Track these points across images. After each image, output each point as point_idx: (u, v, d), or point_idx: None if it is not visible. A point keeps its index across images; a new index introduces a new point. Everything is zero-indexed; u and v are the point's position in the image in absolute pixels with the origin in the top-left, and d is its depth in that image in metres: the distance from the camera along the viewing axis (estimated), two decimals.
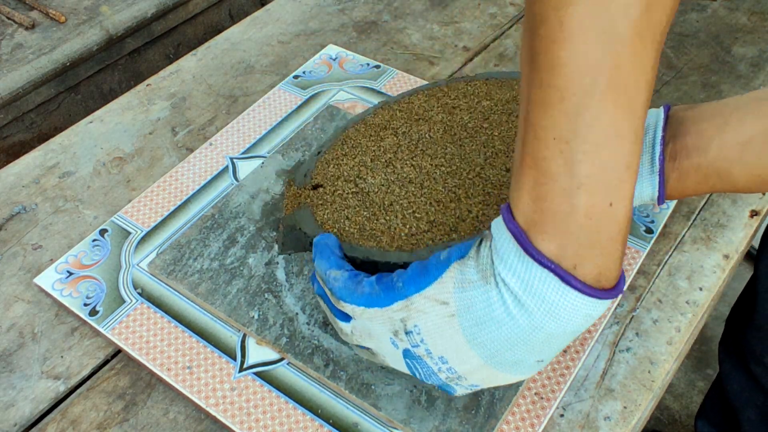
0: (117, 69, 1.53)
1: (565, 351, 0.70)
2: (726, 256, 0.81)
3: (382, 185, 0.71)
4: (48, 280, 0.78)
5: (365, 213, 0.69)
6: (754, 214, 0.85)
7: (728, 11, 1.17)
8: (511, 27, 1.15)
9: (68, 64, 1.38)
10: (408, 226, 0.67)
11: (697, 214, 0.85)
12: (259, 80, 1.06)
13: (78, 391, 0.70)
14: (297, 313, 0.73)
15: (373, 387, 0.67)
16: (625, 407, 0.68)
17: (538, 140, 0.46)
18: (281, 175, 0.87)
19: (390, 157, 0.74)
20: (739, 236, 0.83)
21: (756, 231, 0.86)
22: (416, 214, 0.67)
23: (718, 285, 0.78)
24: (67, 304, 0.75)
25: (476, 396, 0.66)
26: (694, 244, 0.82)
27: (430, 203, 0.68)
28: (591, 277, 0.47)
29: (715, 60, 1.07)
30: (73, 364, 0.72)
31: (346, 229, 0.68)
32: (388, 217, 0.68)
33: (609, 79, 0.43)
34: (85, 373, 0.72)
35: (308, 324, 0.72)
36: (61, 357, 0.73)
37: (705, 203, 0.86)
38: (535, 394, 0.67)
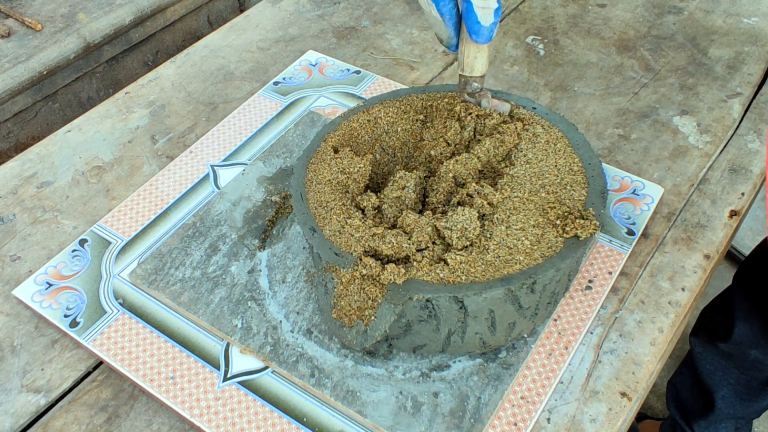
0: (95, 77, 1.52)
1: (550, 354, 0.71)
2: (707, 256, 0.81)
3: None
4: (27, 291, 0.77)
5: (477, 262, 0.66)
6: (733, 214, 0.86)
7: (704, 13, 1.18)
8: None
9: (45, 72, 1.36)
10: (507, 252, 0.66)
11: (678, 215, 0.86)
12: (239, 87, 1.05)
13: (59, 404, 0.70)
14: (281, 321, 0.72)
15: (358, 394, 0.67)
16: (610, 409, 0.68)
17: None
18: (263, 182, 0.86)
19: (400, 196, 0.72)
20: (719, 236, 0.83)
21: (735, 230, 0.87)
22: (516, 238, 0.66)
23: (699, 285, 0.79)
24: (46, 316, 0.74)
25: (462, 401, 0.66)
26: (675, 245, 0.82)
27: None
28: None
29: (692, 62, 1.08)
30: (54, 376, 0.71)
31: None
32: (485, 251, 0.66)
33: None
34: (66, 385, 0.71)
35: (292, 332, 0.72)
36: (42, 370, 0.72)
37: (685, 204, 0.87)
38: (521, 397, 0.67)
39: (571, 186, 0.70)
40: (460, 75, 0.73)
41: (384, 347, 0.70)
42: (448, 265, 0.63)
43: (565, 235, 0.66)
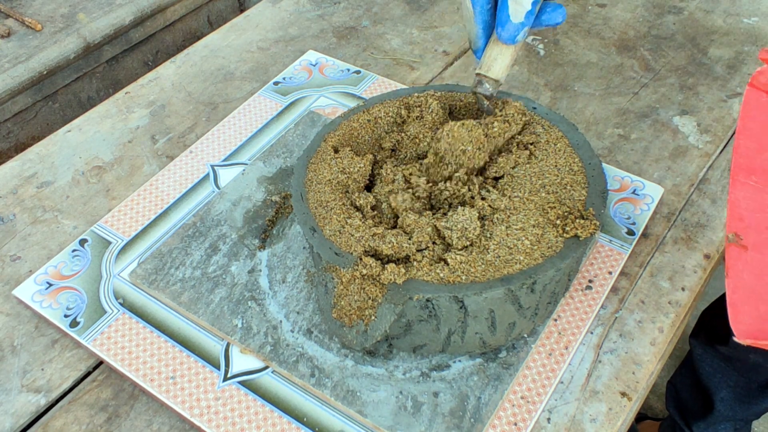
0: (95, 77, 1.52)
1: (550, 354, 0.71)
2: (707, 256, 0.81)
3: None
4: (27, 291, 0.77)
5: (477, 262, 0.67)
6: None
7: (704, 13, 1.18)
8: None
9: (45, 72, 1.36)
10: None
11: (678, 215, 0.86)
12: (239, 87, 1.05)
13: (59, 404, 0.70)
14: (281, 321, 0.72)
15: (358, 394, 0.67)
16: (610, 409, 0.68)
17: None
18: (263, 182, 0.86)
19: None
20: (720, 236, 0.83)
21: None
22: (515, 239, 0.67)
23: (699, 285, 0.79)
24: (47, 316, 0.74)
25: (462, 401, 0.66)
26: (675, 244, 0.82)
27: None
28: None
29: (692, 62, 1.08)
30: (54, 376, 0.71)
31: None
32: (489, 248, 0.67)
33: None
34: (67, 385, 0.71)
35: (292, 331, 0.72)
36: (42, 370, 0.72)
37: (685, 204, 0.87)
38: (521, 397, 0.67)
39: (571, 186, 0.70)
40: (476, 73, 0.72)
41: (384, 347, 0.70)
42: (448, 265, 0.63)
43: (565, 234, 0.66)
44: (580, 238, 0.65)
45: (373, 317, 0.63)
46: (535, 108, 0.78)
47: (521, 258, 0.64)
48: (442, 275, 0.63)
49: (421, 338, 0.67)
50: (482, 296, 0.62)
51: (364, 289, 0.63)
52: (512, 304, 0.64)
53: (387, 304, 0.63)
